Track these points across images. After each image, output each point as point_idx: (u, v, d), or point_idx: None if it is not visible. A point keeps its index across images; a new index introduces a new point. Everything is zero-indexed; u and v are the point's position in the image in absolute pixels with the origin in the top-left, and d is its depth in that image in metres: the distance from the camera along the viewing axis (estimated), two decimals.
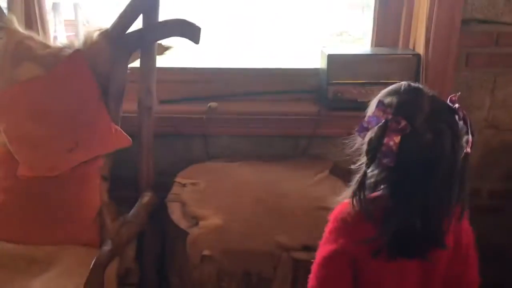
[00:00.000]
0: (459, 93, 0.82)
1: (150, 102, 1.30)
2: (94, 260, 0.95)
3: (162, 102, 1.49)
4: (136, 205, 1.20)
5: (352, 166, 0.85)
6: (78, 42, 1.26)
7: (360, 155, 0.84)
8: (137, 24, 1.26)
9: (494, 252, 1.47)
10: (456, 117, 0.77)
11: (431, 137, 0.74)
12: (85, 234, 1.20)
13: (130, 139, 1.27)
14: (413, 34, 1.46)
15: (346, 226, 0.82)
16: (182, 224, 1.13)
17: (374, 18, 1.49)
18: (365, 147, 0.79)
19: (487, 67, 1.41)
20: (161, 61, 1.39)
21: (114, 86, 1.25)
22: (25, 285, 1.07)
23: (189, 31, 1.22)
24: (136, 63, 1.31)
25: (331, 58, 1.38)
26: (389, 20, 1.47)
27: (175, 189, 1.29)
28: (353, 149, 0.87)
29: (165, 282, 1.24)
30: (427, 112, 0.76)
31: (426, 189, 0.75)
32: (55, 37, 1.59)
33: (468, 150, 0.76)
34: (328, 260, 0.83)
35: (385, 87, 1.40)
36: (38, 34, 1.42)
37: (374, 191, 0.80)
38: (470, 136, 0.76)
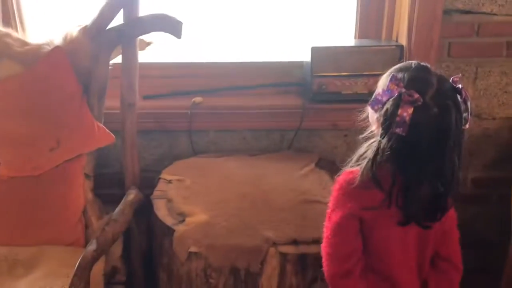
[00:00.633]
0: (460, 75, 0.86)
1: (133, 98, 1.29)
2: (79, 260, 0.94)
3: (145, 97, 1.48)
4: (121, 202, 1.19)
5: (360, 136, 0.92)
6: (57, 39, 1.24)
7: (368, 126, 0.92)
8: (118, 19, 1.24)
9: (476, 239, 1.50)
10: (459, 96, 0.82)
11: (438, 111, 0.80)
12: (70, 234, 1.19)
13: (113, 136, 1.26)
14: (396, 25, 1.47)
15: (353, 191, 0.87)
16: (168, 221, 1.12)
17: (357, 10, 1.49)
18: (380, 118, 0.84)
19: (468, 57, 1.42)
20: (144, 57, 1.37)
21: (96, 82, 1.23)
22: (9, 286, 1.06)
23: (170, 25, 1.20)
24: (118, 59, 1.29)
25: (315, 51, 1.38)
26: (371, 12, 1.48)
27: (161, 185, 1.28)
28: (362, 119, 0.94)
29: (153, 278, 1.23)
30: (436, 88, 0.81)
31: (434, 158, 0.81)
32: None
33: (467, 126, 0.83)
34: (340, 226, 0.89)
35: (368, 79, 1.43)
36: (17, 31, 1.39)
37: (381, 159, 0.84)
38: (468, 114, 0.83)
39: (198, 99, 1.47)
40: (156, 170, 1.42)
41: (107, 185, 1.49)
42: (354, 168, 0.90)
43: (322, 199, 1.18)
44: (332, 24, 1.58)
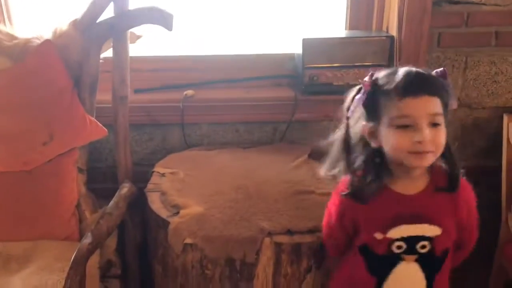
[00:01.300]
0: (442, 68, 0.87)
1: (125, 91, 1.28)
2: (74, 253, 0.94)
3: (136, 91, 1.47)
4: (115, 196, 1.19)
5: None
6: (47, 33, 1.22)
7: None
8: (109, 12, 1.23)
9: None
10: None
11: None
12: (64, 228, 1.18)
13: (106, 129, 1.25)
14: (386, 16, 1.47)
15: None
16: (163, 213, 1.12)
17: (347, 1, 1.49)
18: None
19: (458, 46, 1.43)
20: (135, 50, 1.36)
21: (87, 76, 1.22)
22: (4, 282, 1.05)
23: (161, 18, 1.19)
24: (109, 53, 1.28)
25: (306, 42, 1.38)
26: (362, 3, 1.48)
27: (154, 179, 1.28)
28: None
29: (148, 271, 1.23)
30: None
31: None
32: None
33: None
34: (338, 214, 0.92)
35: (359, 70, 1.43)
36: (4, 25, 1.38)
37: None
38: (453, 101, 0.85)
39: (189, 92, 1.47)
40: (149, 164, 1.42)
41: (100, 179, 1.48)
42: None
43: (315, 189, 1.19)
44: (323, 16, 1.58)
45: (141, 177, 1.34)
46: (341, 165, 0.92)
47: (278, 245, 1.02)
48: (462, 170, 0.90)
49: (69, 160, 1.20)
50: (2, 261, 1.10)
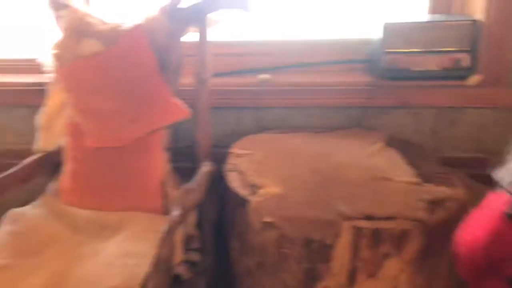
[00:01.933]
0: None
1: (206, 75, 1.33)
2: (167, 223, 1.00)
3: (214, 75, 1.52)
4: (197, 174, 1.25)
5: None
6: (137, 18, 1.29)
7: None
8: None
9: None
10: None
11: None
12: (150, 202, 1.26)
13: (189, 111, 1.31)
14: None
15: None
16: (242, 192, 1.16)
17: None
18: None
19: None
20: (212, 35, 1.40)
21: (173, 59, 1.28)
22: (100, 247, 1.15)
23: (240, 1, 1.22)
24: (191, 37, 1.33)
25: (388, 26, 1.35)
26: None
27: (232, 159, 1.33)
28: None
29: (223, 247, 1.29)
30: None
31: None
32: None
33: None
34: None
35: (440, 56, 1.38)
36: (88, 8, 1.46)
37: None
38: None
39: (265, 76, 1.50)
40: (223, 145, 1.47)
41: (176, 159, 1.56)
42: None
43: (393, 177, 1.18)
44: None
45: (215, 158, 1.40)
46: None
47: (357, 229, 1.03)
48: None
49: (157, 139, 1.27)
50: (98, 228, 1.20)
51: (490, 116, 1.46)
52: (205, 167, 1.28)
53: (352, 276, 1.06)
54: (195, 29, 1.31)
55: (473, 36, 1.37)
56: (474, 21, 1.36)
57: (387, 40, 1.36)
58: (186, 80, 1.34)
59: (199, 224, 1.35)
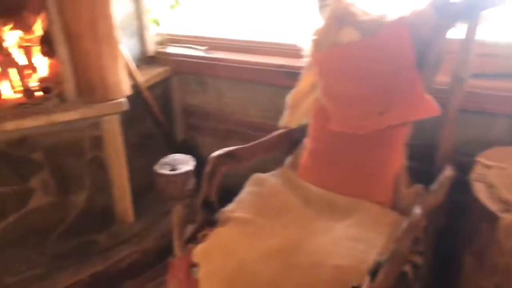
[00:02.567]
0: None
1: (465, 74, 1.25)
2: (409, 220, 0.99)
3: (471, 76, 1.42)
4: (439, 177, 1.20)
5: None
6: (402, 10, 1.29)
7: None
8: None
9: None
10: None
11: None
12: (381, 193, 1.27)
13: (439, 109, 1.25)
14: None
15: None
16: (492, 206, 1.06)
17: None
18: None
19: None
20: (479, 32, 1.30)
21: (433, 55, 1.24)
22: (330, 225, 1.22)
23: None
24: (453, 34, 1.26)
25: None
26: None
27: (479, 169, 1.23)
28: None
29: (454, 258, 1.21)
30: None
31: None
32: None
33: None
34: None
35: None
36: None
37: None
38: None
39: None
40: (464, 151, 1.36)
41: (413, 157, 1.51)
42: None
43: None
44: None
45: (455, 164, 1.30)
46: None
47: None
48: None
49: (400, 133, 1.26)
50: (329, 209, 1.27)
51: None
52: (448, 172, 1.22)
53: None
54: (461, 26, 1.24)
55: None
56: None
57: None
58: (439, 78, 1.29)
59: (425, 228, 1.30)
